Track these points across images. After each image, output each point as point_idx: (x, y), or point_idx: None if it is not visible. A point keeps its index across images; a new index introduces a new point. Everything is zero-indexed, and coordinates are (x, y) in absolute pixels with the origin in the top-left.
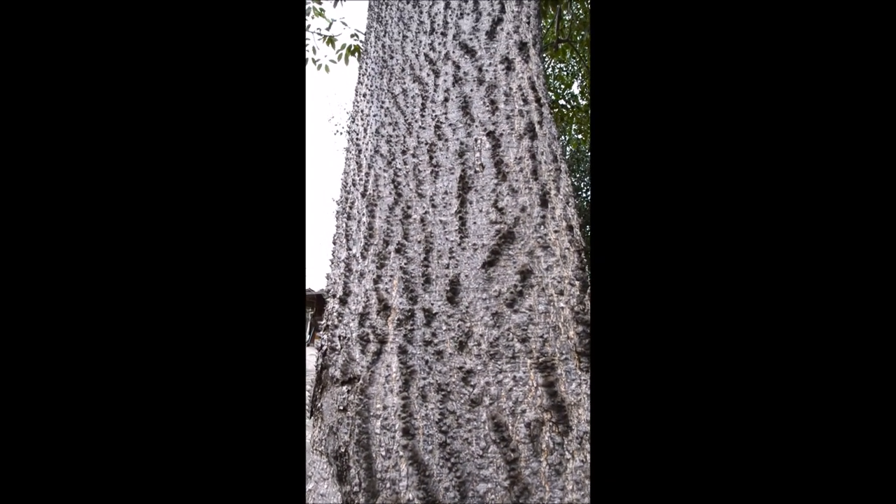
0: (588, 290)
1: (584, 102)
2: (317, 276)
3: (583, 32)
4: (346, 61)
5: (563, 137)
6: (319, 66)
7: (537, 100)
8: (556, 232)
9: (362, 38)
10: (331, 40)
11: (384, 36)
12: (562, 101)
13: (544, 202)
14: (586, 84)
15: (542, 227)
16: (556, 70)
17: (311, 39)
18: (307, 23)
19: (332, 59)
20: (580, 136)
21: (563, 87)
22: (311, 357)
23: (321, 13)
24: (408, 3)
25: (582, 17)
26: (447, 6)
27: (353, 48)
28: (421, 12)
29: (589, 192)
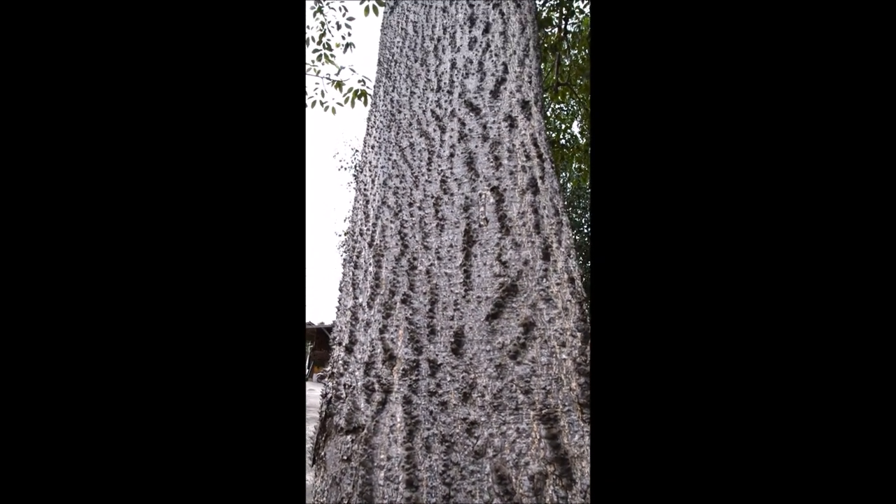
0: (589, 342)
1: (583, 141)
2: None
3: (581, 77)
4: (353, 104)
5: (563, 174)
6: (326, 108)
7: (539, 155)
8: (557, 284)
9: (368, 83)
10: (339, 85)
11: (393, 91)
12: (562, 141)
13: (546, 255)
14: (586, 124)
15: (545, 280)
16: (556, 110)
17: (321, 84)
18: (317, 69)
19: (339, 102)
20: (580, 172)
21: (563, 126)
22: (309, 392)
23: (331, 60)
24: (416, 61)
25: (580, 62)
26: (453, 66)
27: (359, 92)
28: (428, 71)
29: (588, 227)
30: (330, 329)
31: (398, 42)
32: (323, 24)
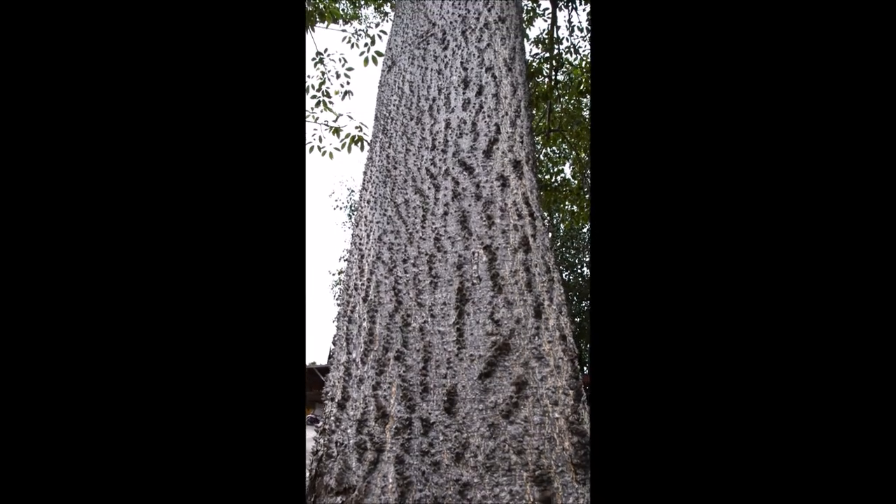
0: (582, 400)
1: (575, 183)
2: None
3: (572, 123)
4: (349, 150)
5: (556, 215)
6: (324, 153)
7: (531, 214)
8: (549, 342)
9: (365, 129)
10: (336, 131)
11: (389, 147)
12: (554, 183)
13: (538, 313)
14: (577, 167)
15: (537, 338)
16: (549, 151)
17: (319, 130)
18: (316, 116)
19: (337, 147)
20: (573, 214)
21: (555, 169)
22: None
23: (329, 107)
24: (411, 119)
25: (570, 109)
26: (448, 126)
27: (356, 138)
28: (423, 129)
29: (583, 268)
30: (322, 370)
31: (395, 100)
32: (323, 73)
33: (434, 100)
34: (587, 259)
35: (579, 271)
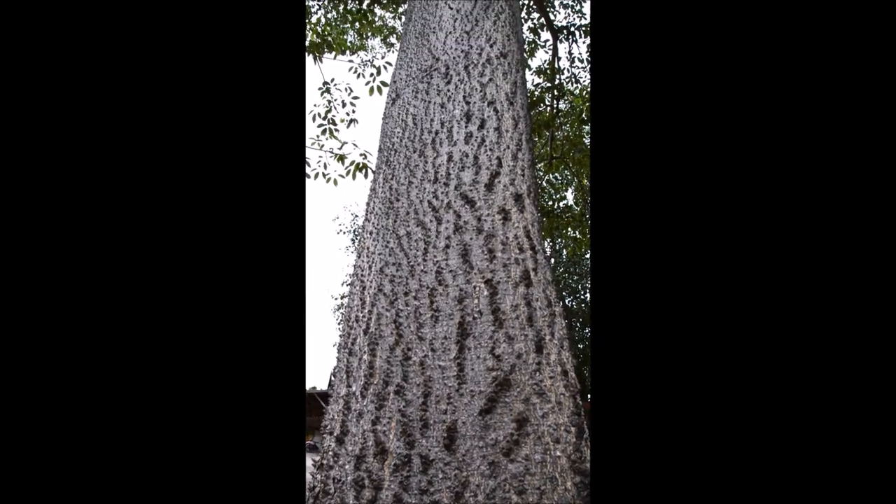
0: (585, 437)
1: (577, 209)
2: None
3: (574, 150)
4: (353, 177)
5: (559, 240)
6: (329, 180)
7: (532, 247)
8: (551, 378)
9: (369, 157)
10: (341, 158)
11: (392, 179)
12: (556, 210)
13: (539, 348)
14: (580, 194)
15: (538, 374)
16: (552, 178)
17: (324, 157)
18: (321, 143)
19: (341, 174)
20: (576, 241)
21: (557, 195)
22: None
23: (335, 135)
24: (414, 152)
25: (572, 137)
26: (450, 159)
27: (360, 165)
28: (426, 162)
29: (585, 293)
30: (321, 395)
31: (398, 132)
32: (329, 101)
33: (437, 133)
34: (590, 285)
35: (582, 297)
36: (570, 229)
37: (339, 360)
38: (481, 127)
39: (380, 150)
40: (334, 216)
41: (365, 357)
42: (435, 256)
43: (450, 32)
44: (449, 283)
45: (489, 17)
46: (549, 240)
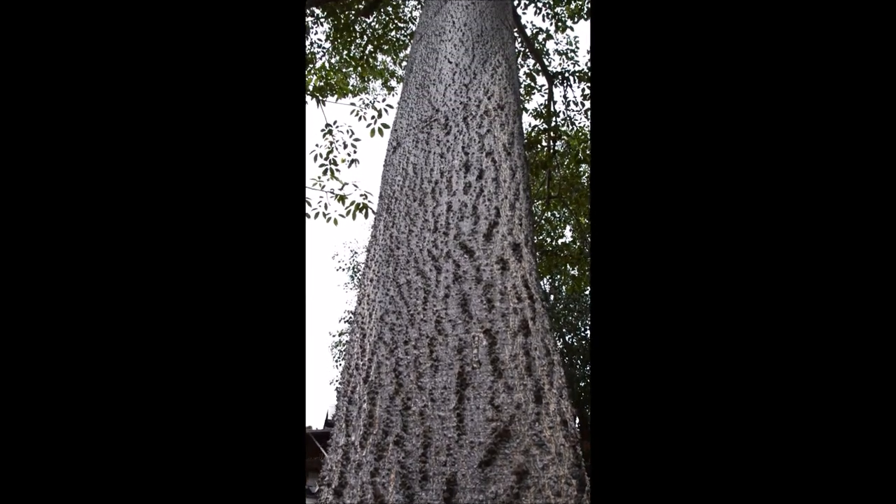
0: (586, 490)
1: (576, 247)
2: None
3: (571, 189)
4: (354, 217)
5: (557, 277)
6: (329, 220)
7: (530, 297)
8: (550, 428)
9: (370, 198)
10: (342, 198)
11: (392, 227)
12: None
13: (538, 398)
14: (577, 233)
15: (537, 424)
16: (549, 215)
17: (325, 197)
18: (322, 184)
19: (342, 214)
20: (574, 278)
21: (555, 233)
22: None
23: (336, 176)
24: (414, 201)
25: (569, 177)
26: (449, 209)
27: (360, 206)
28: (426, 211)
29: (585, 330)
30: (318, 435)
31: (399, 181)
32: (331, 143)
33: (436, 182)
34: (590, 322)
35: (583, 334)
36: (568, 266)
37: (338, 408)
38: (480, 177)
39: (381, 197)
40: (333, 253)
41: (364, 406)
42: (434, 306)
43: (449, 85)
44: (448, 332)
45: (487, 71)
46: (547, 277)
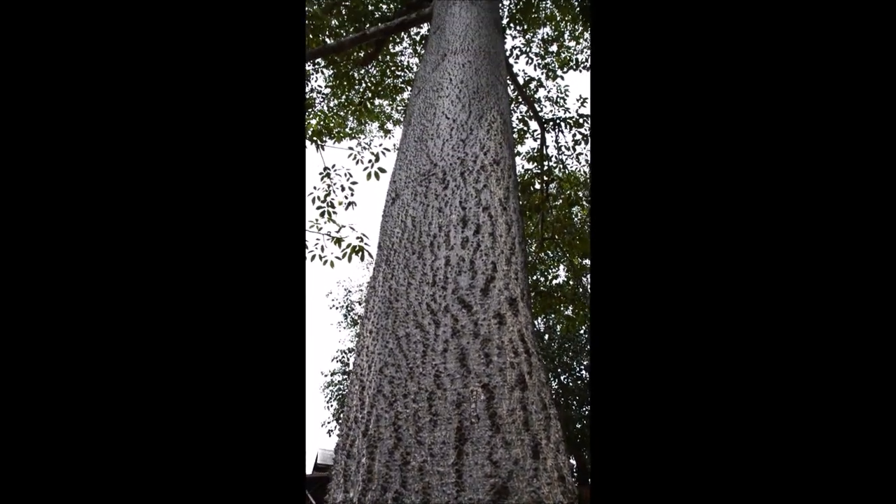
0: None
1: (571, 285)
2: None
3: (565, 231)
4: (350, 259)
5: (551, 316)
6: (325, 262)
7: (526, 350)
8: (548, 484)
9: (366, 240)
10: (338, 241)
11: (391, 279)
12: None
13: (536, 454)
14: (572, 273)
15: (535, 480)
16: (542, 257)
17: (321, 240)
18: (320, 226)
19: (338, 256)
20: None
21: (550, 273)
22: None
23: (332, 219)
24: (413, 254)
25: (562, 219)
26: (447, 263)
27: (356, 248)
28: (424, 265)
29: (581, 370)
30: (308, 480)
31: (398, 233)
32: (329, 185)
33: (435, 236)
34: (586, 362)
35: (578, 374)
36: (562, 307)
37: (335, 462)
38: (477, 232)
39: (380, 248)
40: (327, 291)
41: (364, 461)
42: (433, 359)
43: (447, 140)
44: (447, 386)
45: (482, 127)
46: (542, 316)
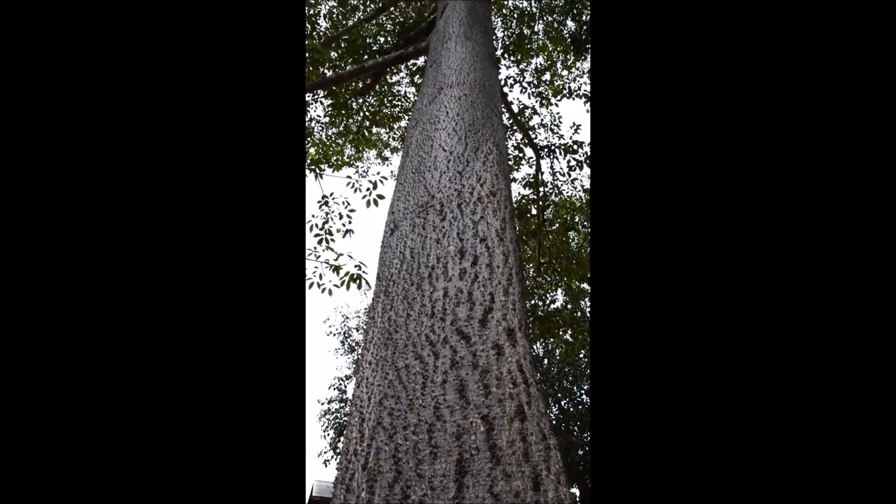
0: None
1: (569, 309)
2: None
3: (561, 256)
4: (348, 287)
5: (550, 340)
6: (323, 290)
7: (525, 381)
8: None
9: (364, 268)
10: (336, 269)
11: (391, 310)
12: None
13: (536, 486)
14: (569, 297)
15: None
16: (539, 281)
17: (320, 268)
18: (318, 254)
19: (336, 284)
20: (568, 343)
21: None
22: None
23: (330, 246)
24: (412, 285)
25: (558, 244)
26: (446, 294)
27: (354, 276)
28: (423, 296)
29: (581, 395)
30: None
31: (396, 264)
32: (327, 213)
33: (433, 268)
34: (586, 386)
35: (578, 399)
36: (561, 331)
37: (335, 496)
38: (474, 263)
39: (378, 279)
40: (324, 318)
41: (363, 495)
42: (433, 391)
43: (444, 172)
44: (447, 418)
45: (479, 159)
46: (540, 340)
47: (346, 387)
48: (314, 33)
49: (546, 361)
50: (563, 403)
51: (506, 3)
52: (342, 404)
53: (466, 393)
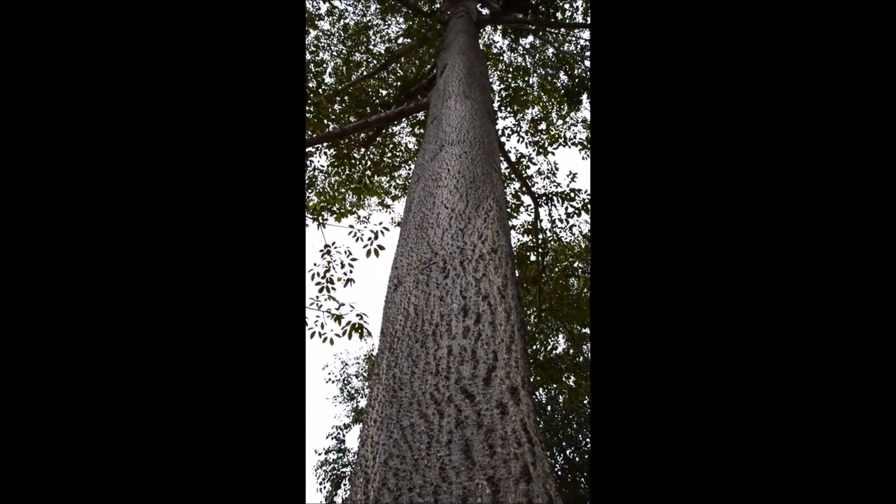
0: None
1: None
2: None
3: (562, 304)
4: (350, 336)
5: (553, 386)
6: (325, 339)
7: (529, 440)
8: None
9: (365, 318)
10: (338, 318)
11: (395, 367)
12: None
13: None
14: (571, 342)
15: None
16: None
17: (321, 317)
18: (319, 304)
19: (337, 334)
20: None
21: (547, 341)
22: None
23: (332, 295)
24: (416, 342)
25: (559, 291)
26: (450, 352)
27: (356, 325)
28: (427, 353)
29: (586, 443)
30: None
31: (400, 320)
32: (329, 262)
33: (437, 325)
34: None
35: (584, 448)
36: (563, 377)
37: None
38: (477, 321)
39: (382, 335)
40: (324, 364)
41: None
42: (438, 451)
43: (446, 229)
44: (452, 479)
45: (480, 216)
46: (543, 387)
47: (344, 436)
48: (319, 88)
49: (549, 408)
50: (568, 453)
51: (502, 57)
52: (340, 454)
53: (472, 453)
